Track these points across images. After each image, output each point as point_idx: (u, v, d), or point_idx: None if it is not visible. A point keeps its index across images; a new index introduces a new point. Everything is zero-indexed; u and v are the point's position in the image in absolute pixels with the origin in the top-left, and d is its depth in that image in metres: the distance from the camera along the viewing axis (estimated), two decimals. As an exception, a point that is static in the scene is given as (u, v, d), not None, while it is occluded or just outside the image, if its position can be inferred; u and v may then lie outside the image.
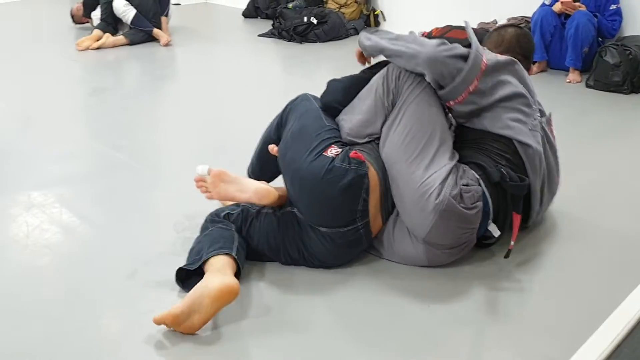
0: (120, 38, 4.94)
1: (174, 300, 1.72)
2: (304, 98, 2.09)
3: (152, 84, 4.23)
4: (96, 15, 5.17)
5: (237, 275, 1.74)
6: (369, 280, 1.87)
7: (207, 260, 1.73)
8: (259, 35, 5.39)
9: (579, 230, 2.17)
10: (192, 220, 2.13)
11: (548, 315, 1.72)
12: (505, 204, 1.88)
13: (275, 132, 2.11)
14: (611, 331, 1.64)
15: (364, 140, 1.94)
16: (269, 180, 2.15)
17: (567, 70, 4.21)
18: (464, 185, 1.81)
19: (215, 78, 4.26)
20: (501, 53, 2.06)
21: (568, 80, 4.16)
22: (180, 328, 1.59)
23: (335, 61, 4.72)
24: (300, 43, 5.18)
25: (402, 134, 1.86)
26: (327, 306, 1.75)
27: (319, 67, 4.61)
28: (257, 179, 2.07)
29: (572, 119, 3.40)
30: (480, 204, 1.82)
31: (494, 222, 1.90)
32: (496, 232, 1.90)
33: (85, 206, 2.34)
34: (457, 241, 1.87)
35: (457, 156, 1.90)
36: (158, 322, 1.59)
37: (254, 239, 1.90)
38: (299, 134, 1.92)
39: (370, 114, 1.93)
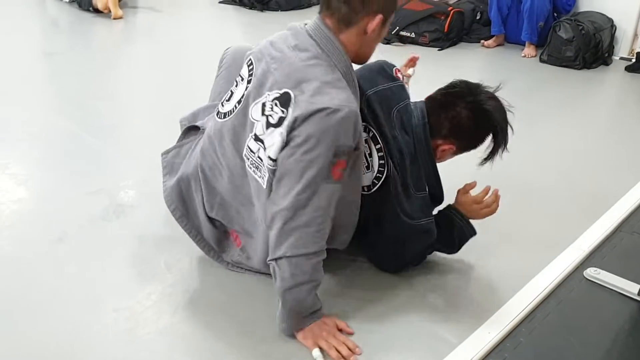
0: None
1: (103, 264, 1.75)
2: None
3: (109, 49, 4.16)
4: None
5: None
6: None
7: None
8: (219, 2, 5.31)
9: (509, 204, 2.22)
10: (120, 191, 2.13)
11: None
12: None
13: None
14: (527, 297, 1.71)
15: None
16: None
17: (523, 44, 4.25)
18: None
19: (174, 45, 4.19)
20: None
21: (523, 55, 4.21)
22: None
23: (295, 30, 4.67)
24: (262, 11, 5.11)
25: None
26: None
27: (279, 35, 4.56)
28: None
29: (523, 93, 3.44)
30: None
31: None
32: None
33: (24, 170, 2.31)
34: None
35: None
36: None
37: None
38: None
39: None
